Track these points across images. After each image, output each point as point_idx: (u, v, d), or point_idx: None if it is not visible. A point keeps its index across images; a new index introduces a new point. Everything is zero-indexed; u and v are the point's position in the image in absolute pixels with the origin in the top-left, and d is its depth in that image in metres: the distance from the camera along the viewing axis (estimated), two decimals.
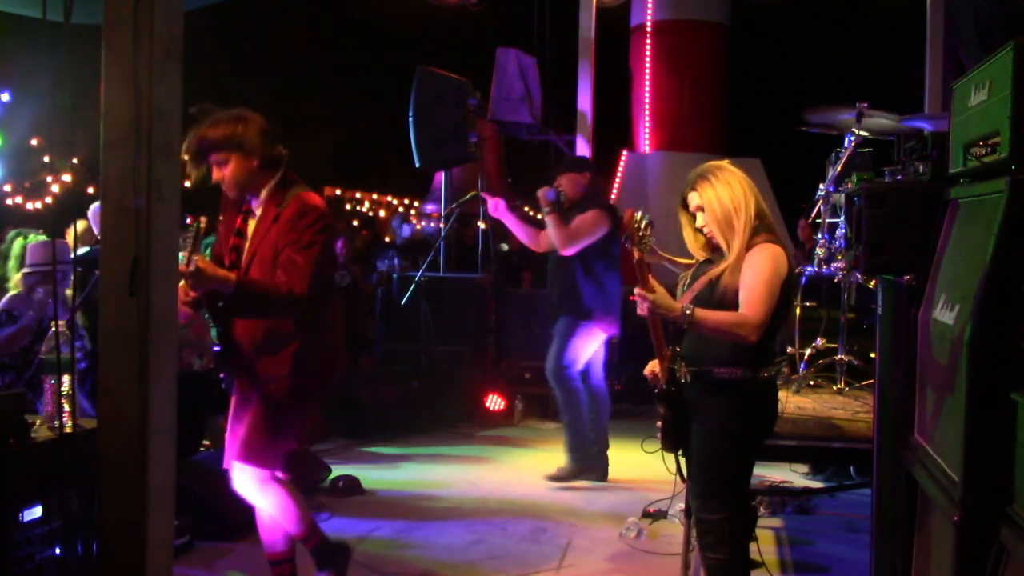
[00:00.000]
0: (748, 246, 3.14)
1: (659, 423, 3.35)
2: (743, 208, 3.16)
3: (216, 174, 3.36)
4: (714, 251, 3.29)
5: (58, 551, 3.24)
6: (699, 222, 3.25)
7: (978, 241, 2.37)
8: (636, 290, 3.08)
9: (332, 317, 3.52)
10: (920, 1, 8.02)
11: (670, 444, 3.35)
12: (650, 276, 3.11)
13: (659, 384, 3.26)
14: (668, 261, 4.13)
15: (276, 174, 3.40)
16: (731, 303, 3.11)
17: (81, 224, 5.98)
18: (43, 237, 5.03)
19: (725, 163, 3.30)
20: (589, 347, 5.75)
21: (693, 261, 3.40)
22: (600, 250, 5.65)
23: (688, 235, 3.34)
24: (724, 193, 3.18)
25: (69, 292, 4.61)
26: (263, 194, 3.40)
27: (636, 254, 3.07)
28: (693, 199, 3.26)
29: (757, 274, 3.09)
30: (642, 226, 3.10)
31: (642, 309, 3.08)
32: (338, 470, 5.67)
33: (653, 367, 3.33)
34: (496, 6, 9.15)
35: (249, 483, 3.47)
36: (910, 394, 2.91)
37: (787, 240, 3.26)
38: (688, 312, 3.04)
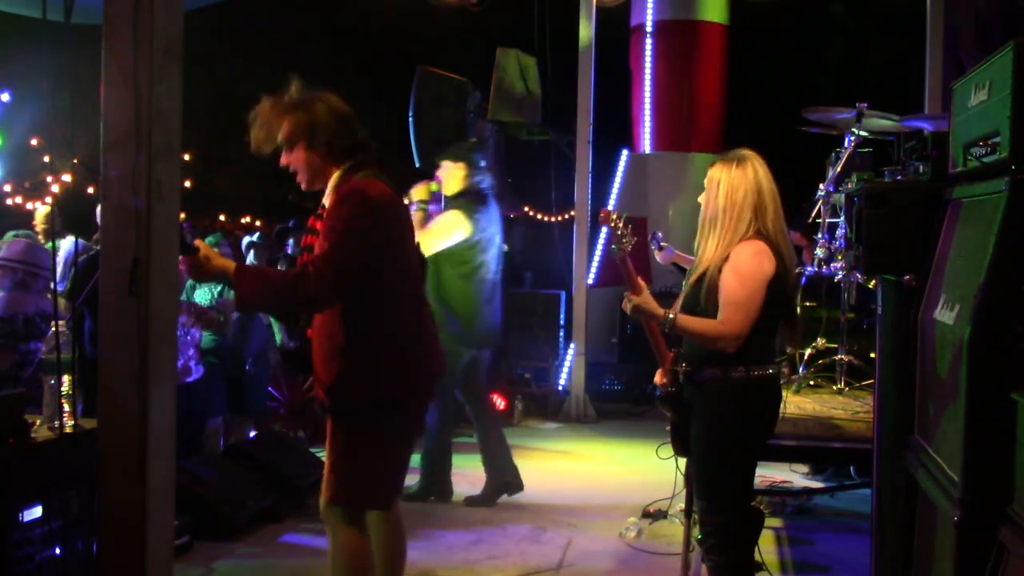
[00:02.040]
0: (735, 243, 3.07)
1: (668, 428, 3.32)
2: (738, 207, 3.06)
3: (284, 159, 3.05)
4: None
5: (58, 551, 3.23)
6: (700, 199, 3.19)
7: (978, 241, 2.37)
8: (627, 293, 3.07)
9: (395, 326, 3.02)
10: (920, 1, 8.02)
11: (680, 447, 3.31)
12: (638, 278, 3.07)
13: (664, 388, 3.24)
14: (684, 261, 4.03)
15: (346, 163, 3.02)
16: (713, 302, 3.04)
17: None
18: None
19: (750, 154, 3.14)
20: (456, 364, 5.11)
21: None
22: (461, 258, 5.12)
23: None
24: (736, 184, 3.07)
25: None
26: (329, 184, 3.04)
27: (619, 254, 3.03)
28: (709, 176, 3.17)
29: (735, 277, 3.01)
30: (620, 224, 3.03)
31: (626, 306, 3.07)
32: None
33: (660, 373, 3.32)
34: (496, 6, 9.14)
35: (332, 523, 3.06)
36: (910, 394, 2.91)
37: (788, 245, 3.12)
38: (671, 317, 3.02)
